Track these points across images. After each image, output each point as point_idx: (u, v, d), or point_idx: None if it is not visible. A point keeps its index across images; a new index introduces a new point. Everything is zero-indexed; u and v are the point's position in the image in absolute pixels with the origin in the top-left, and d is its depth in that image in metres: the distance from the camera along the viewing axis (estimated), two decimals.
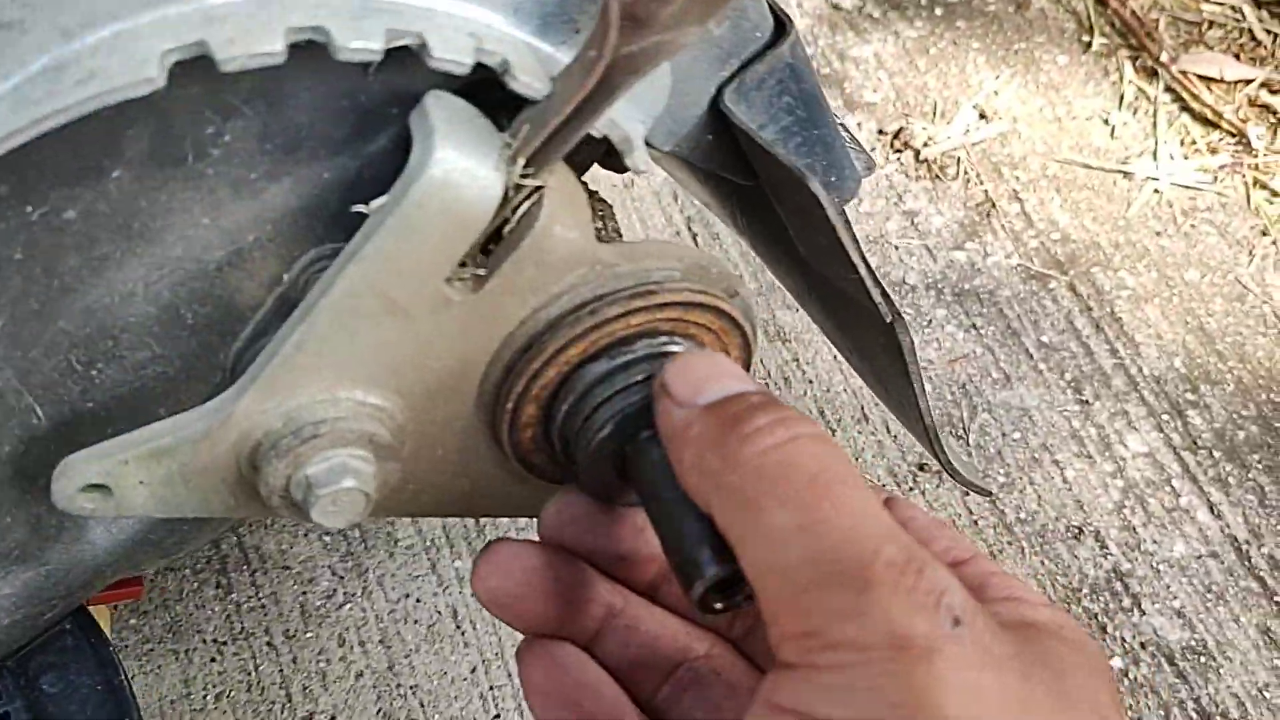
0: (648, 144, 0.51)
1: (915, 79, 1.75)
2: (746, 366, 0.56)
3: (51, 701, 0.54)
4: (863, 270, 0.57)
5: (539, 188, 0.46)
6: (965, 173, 1.64)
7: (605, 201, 0.55)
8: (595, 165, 0.57)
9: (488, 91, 0.45)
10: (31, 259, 0.43)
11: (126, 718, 0.54)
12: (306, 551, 1.18)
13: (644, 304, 0.49)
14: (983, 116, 1.73)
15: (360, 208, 0.43)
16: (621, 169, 0.78)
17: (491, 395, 0.51)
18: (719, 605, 0.44)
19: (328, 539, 1.18)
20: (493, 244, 0.47)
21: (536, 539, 0.46)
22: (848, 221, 0.57)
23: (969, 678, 0.30)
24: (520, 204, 0.46)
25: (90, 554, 0.53)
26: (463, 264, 0.47)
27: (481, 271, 0.46)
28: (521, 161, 0.44)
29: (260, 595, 1.15)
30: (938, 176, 1.64)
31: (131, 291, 0.46)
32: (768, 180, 0.59)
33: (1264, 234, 1.60)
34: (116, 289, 0.46)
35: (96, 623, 0.56)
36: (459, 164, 0.42)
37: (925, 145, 1.69)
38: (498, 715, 1.11)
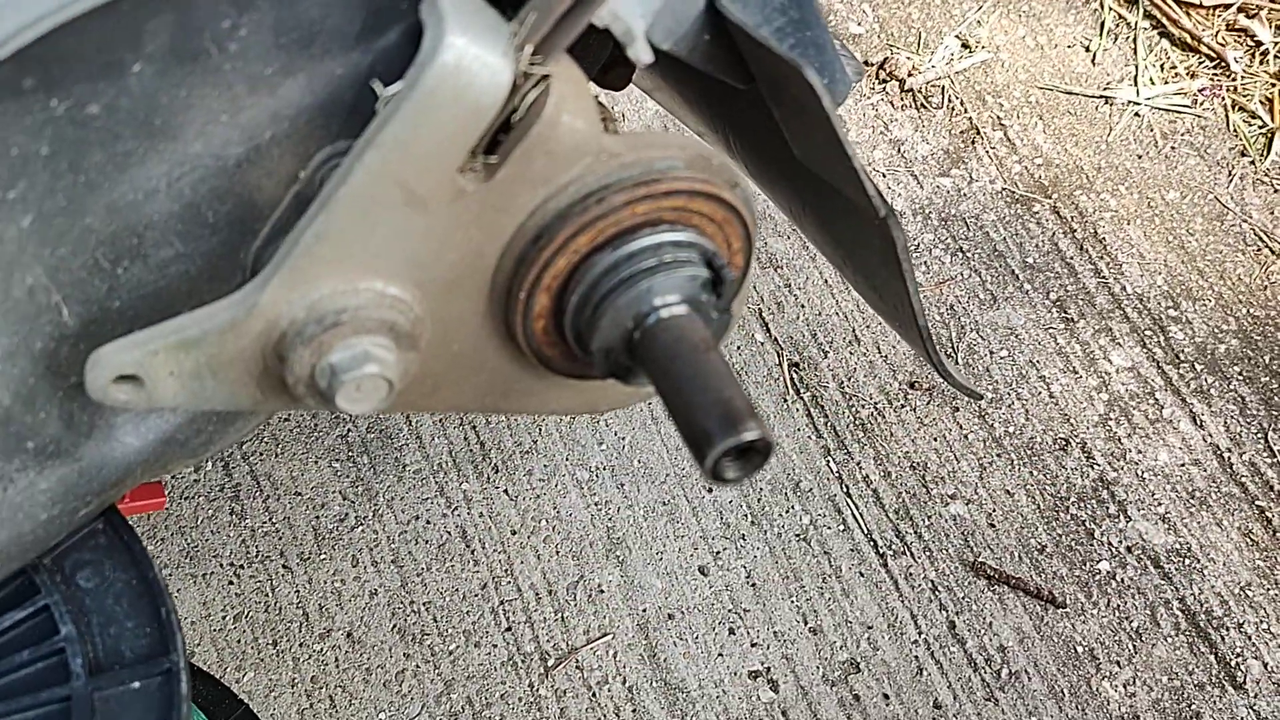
0: (649, 43, 0.51)
1: (899, 11, 1.74)
2: (748, 257, 0.56)
3: (88, 595, 0.55)
4: (856, 163, 0.57)
5: (546, 76, 0.46)
6: (949, 101, 1.65)
7: (605, 105, 0.56)
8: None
9: None
10: (57, 154, 0.44)
11: (163, 607, 0.55)
12: (317, 478, 1.19)
13: (648, 192, 0.49)
14: (965, 46, 1.73)
15: (377, 87, 0.44)
16: (618, 86, 0.78)
17: (504, 287, 0.52)
18: (731, 475, 0.45)
19: (337, 465, 1.19)
20: (502, 135, 0.48)
21: None
22: (841, 119, 0.58)
23: None
24: (528, 92, 0.46)
25: (121, 452, 0.54)
26: (474, 155, 0.47)
27: (493, 160, 0.47)
28: (529, 49, 0.45)
29: (274, 520, 1.17)
30: (923, 106, 1.64)
31: (154, 188, 0.47)
32: (764, 78, 0.60)
33: (1242, 154, 1.61)
34: (140, 186, 0.46)
35: (128, 522, 0.58)
36: (470, 50, 0.43)
37: (910, 75, 1.69)
38: (509, 628, 1.13)
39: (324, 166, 0.50)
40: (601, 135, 0.48)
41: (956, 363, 1.38)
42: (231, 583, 1.13)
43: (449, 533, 1.17)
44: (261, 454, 1.19)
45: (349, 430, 1.22)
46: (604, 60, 0.73)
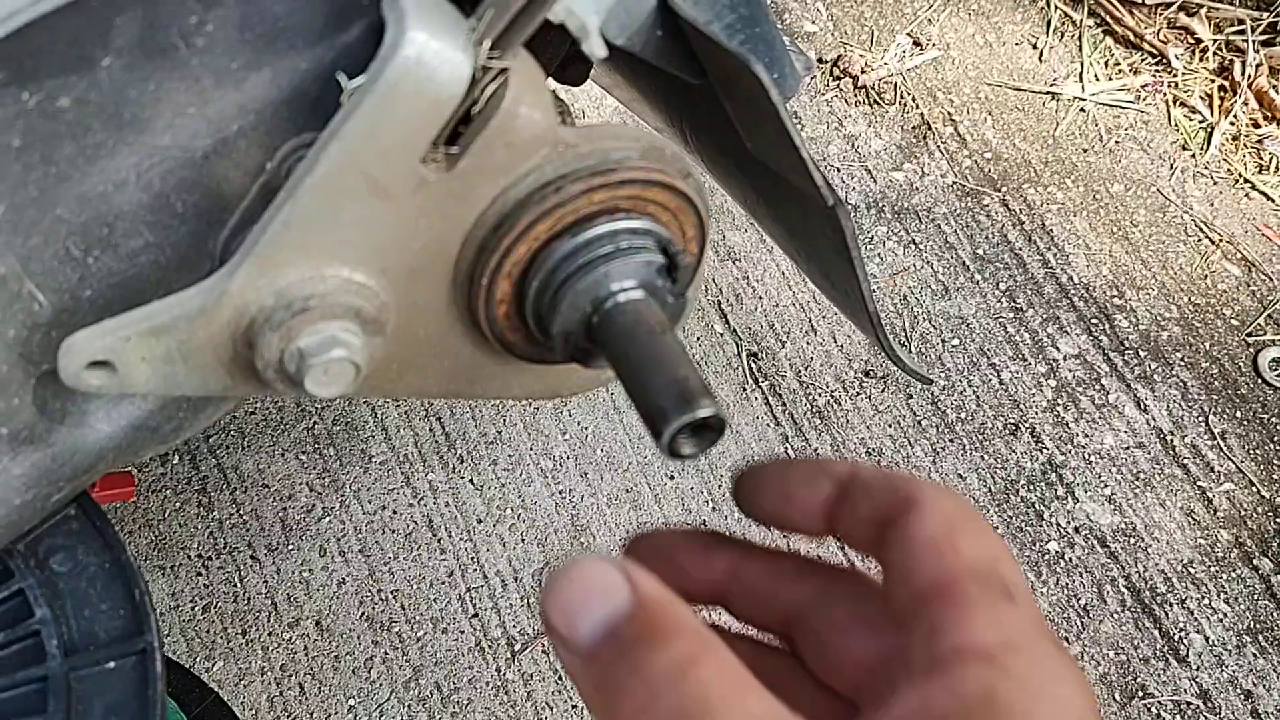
0: (603, 38, 0.53)
1: (852, 9, 1.77)
2: (702, 243, 0.58)
3: (62, 579, 0.56)
4: (805, 154, 0.59)
5: (504, 70, 0.47)
6: (902, 98, 1.67)
7: (562, 100, 0.57)
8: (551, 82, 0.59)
9: None
10: (29, 147, 0.44)
11: (136, 589, 0.56)
12: (284, 470, 1.19)
13: (604, 181, 0.51)
14: (917, 44, 1.75)
15: (343, 80, 0.45)
16: (576, 81, 0.80)
17: (467, 274, 0.53)
18: (686, 451, 0.47)
19: (304, 457, 1.19)
20: (462, 127, 0.49)
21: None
22: (791, 112, 0.59)
23: None
24: (487, 85, 0.47)
25: (93, 438, 0.55)
26: (436, 146, 0.48)
27: (454, 150, 0.48)
28: (488, 44, 0.46)
29: (241, 512, 1.17)
30: (876, 102, 1.67)
31: (124, 180, 0.47)
32: (715, 73, 0.62)
33: (1183, 148, 1.64)
34: (110, 177, 0.47)
35: (100, 508, 0.58)
36: (430, 45, 0.44)
37: (863, 72, 1.72)
38: (476, 614, 1.14)
39: (290, 158, 0.51)
40: (559, 127, 0.49)
41: (910, 351, 1.41)
42: (200, 574, 1.14)
43: (416, 522, 1.18)
44: (228, 447, 1.19)
45: (315, 423, 1.22)
46: (562, 56, 0.75)
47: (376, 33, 0.48)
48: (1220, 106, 1.69)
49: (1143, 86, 1.72)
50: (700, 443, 0.47)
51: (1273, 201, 1.58)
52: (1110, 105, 1.69)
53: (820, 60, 1.72)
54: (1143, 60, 1.75)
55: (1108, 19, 1.78)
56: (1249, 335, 1.45)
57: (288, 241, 0.47)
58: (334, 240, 0.48)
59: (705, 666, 0.34)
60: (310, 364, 0.48)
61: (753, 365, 1.36)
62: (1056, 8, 1.79)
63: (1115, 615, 1.23)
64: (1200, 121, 1.68)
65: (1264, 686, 1.19)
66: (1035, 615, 0.36)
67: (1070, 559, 1.26)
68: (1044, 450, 1.33)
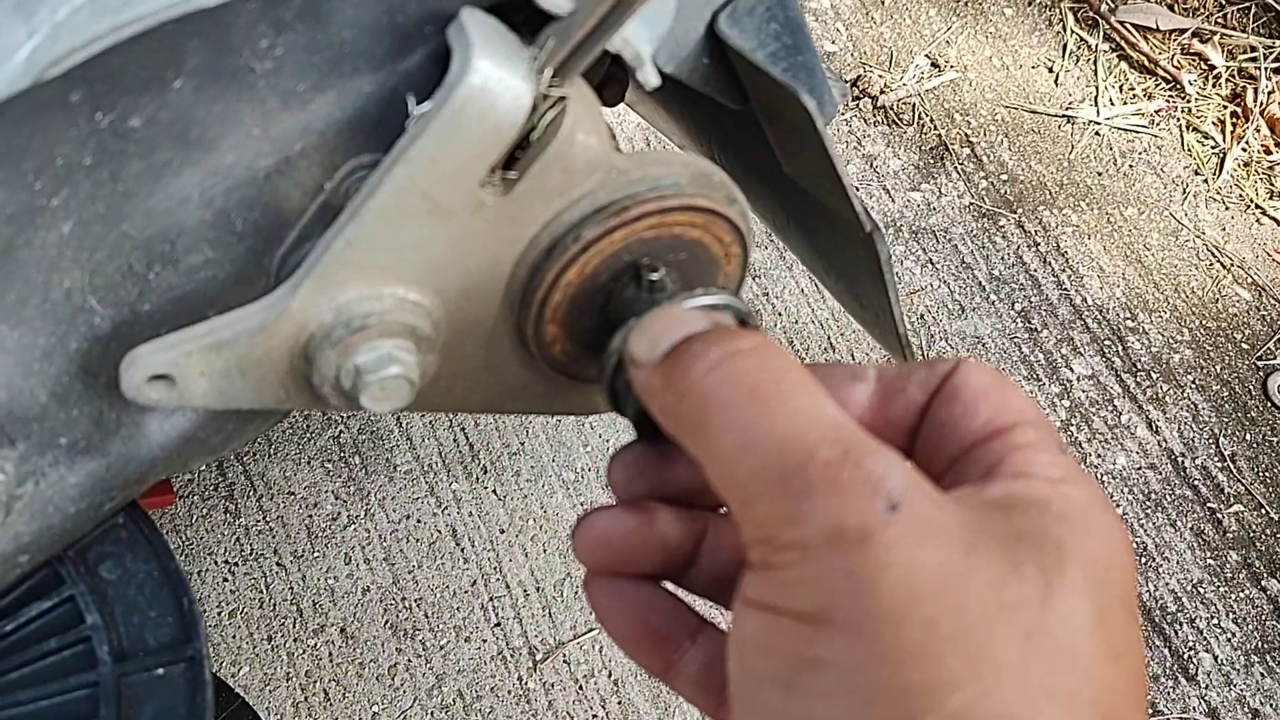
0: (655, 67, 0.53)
1: (871, 30, 1.77)
2: (744, 265, 0.58)
3: (111, 586, 0.57)
4: (846, 181, 0.60)
5: (563, 98, 0.48)
6: (920, 119, 1.68)
7: (607, 124, 0.58)
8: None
9: (514, 10, 0.47)
10: (99, 164, 0.45)
11: (184, 597, 0.56)
12: (310, 478, 1.20)
13: (656, 207, 0.51)
14: (935, 66, 1.76)
15: (411, 104, 0.45)
16: (612, 102, 0.80)
17: (519, 295, 0.54)
18: None
19: (329, 465, 1.20)
20: (520, 152, 0.49)
21: (613, 504, 0.46)
22: (831, 139, 0.60)
23: (905, 558, 0.30)
24: (546, 113, 0.48)
25: (146, 448, 0.55)
26: (494, 171, 0.49)
27: (512, 175, 0.49)
28: (549, 73, 0.47)
29: (267, 519, 1.17)
30: (894, 122, 1.67)
31: (188, 197, 0.48)
32: (759, 100, 0.62)
33: (1196, 173, 1.65)
34: (175, 194, 0.48)
35: (149, 516, 0.59)
36: (494, 74, 0.44)
37: (882, 93, 1.72)
38: (498, 624, 1.14)
39: (349, 178, 0.51)
40: (613, 153, 0.50)
41: None
42: (226, 580, 1.14)
43: (439, 531, 1.18)
44: (255, 455, 1.20)
45: (340, 432, 1.23)
46: (599, 78, 0.75)
47: (437, 59, 0.48)
48: (1233, 132, 1.70)
49: (1157, 111, 1.73)
50: None
51: None
52: (1125, 129, 1.69)
53: (848, 100, 1.72)
54: (1157, 85, 1.76)
55: (1123, 44, 1.78)
56: (1259, 359, 1.45)
57: (349, 260, 0.47)
58: (393, 260, 0.48)
59: (783, 356, 0.35)
60: (367, 381, 0.48)
61: None
62: (1073, 32, 1.80)
63: None
64: (1213, 147, 1.68)
65: (1271, 705, 1.19)
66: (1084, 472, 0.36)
67: None
68: None
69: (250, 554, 1.15)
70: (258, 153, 0.48)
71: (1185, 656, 1.21)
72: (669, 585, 0.45)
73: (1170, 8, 1.85)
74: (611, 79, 0.76)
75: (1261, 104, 1.70)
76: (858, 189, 1.59)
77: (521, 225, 0.50)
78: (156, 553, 0.58)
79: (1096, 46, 1.78)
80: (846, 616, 0.30)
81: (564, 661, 1.12)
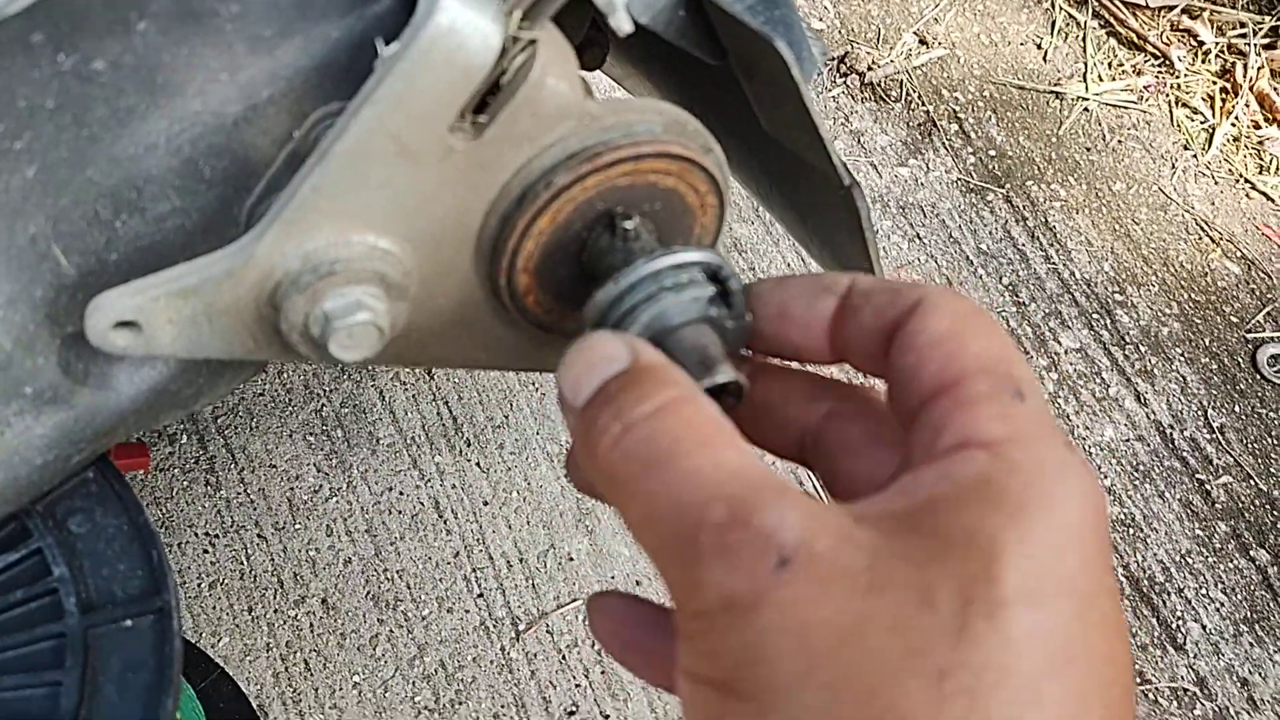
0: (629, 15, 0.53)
1: (859, 7, 1.77)
2: (721, 216, 0.58)
3: (79, 540, 0.56)
4: (823, 133, 0.59)
5: (533, 41, 0.48)
6: (907, 95, 1.68)
7: (583, 77, 0.57)
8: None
9: None
10: (62, 108, 0.44)
11: (153, 550, 0.56)
12: (291, 451, 1.20)
13: (630, 154, 0.51)
14: (923, 42, 1.76)
15: (380, 45, 0.45)
16: (591, 66, 0.80)
17: (490, 245, 0.53)
18: None
19: (311, 439, 1.20)
20: (490, 97, 0.49)
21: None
22: (810, 92, 0.60)
23: (796, 617, 0.28)
24: (516, 56, 0.48)
25: (114, 400, 0.55)
26: (463, 116, 0.49)
27: (482, 119, 0.48)
28: (518, 15, 0.46)
29: (249, 492, 1.17)
30: (882, 99, 1.67)
31: (154, 143, 0.48)
32: (736, 52, 0.62)
33: (1185, 148, 1.65)
34: (141, 140, 0.47)
35: (119, 472, 0.59)
36: (463, 14, 0.44)
37: (870, 69, 1.72)
38: (481, 594, 1.14)
39: (317, 126, 0.51)
40: (584, 99, 0.50)
41: None
42: (206, 551, 1.14)
43: (422, 503, 1.18)
44: (236, 427, 1.20)
45: (323, 405, 1.22)
46: (578, 42, 0.75)
47: (406, 4, 0.48)
48: (1222, 108, 1.70)
49: (1145, 87, 1.73)
50: (724, 403, 0.47)
51: (1273, 201, 1.59)
52: (1113, 105, 1.69)
53: (829, 58, 1.72)
54: (1146, 61, 1.76)
55: (1111, 20, 1.78)
56: (1248, 332, 1.46)
57: (316, 205, 0.47)
58: (361, 206, 0.48)
59: (684, 410, 0.34)
60: (335, 327, 0.48)
61: None
62: (1061, 9, 1.79)
63: None
64: (1202, 122, 1.68)
65: (1260, 675, 1.20)
66: (1045, 413, 0.33)
67: None
68: None
69: (231, 526, 1.15)
70: (225, 99, 0.48)
71: (1174, 626, 1.22)
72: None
73: None
74: (591, 42, 0.76)
75: (1251, 79, 1.70)
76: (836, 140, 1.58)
77: (492, 172, 0.50)
78: (126, 507, 0.57)
79: (1085, 23, 1.78)
80: (748, 688, 0.29)
81: (547, 632, 1.12)
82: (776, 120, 0.65)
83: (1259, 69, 1.71)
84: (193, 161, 0.49)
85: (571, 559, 1.17)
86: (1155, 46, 1.76)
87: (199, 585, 1.12)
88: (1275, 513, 1.31)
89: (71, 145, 0.46)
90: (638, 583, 1.17)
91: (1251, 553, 1.28)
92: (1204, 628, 1.22)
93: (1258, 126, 1.68)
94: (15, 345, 0.49)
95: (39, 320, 0.50)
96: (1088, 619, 0.28)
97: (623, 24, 0.53)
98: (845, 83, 1.67)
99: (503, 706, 1.09)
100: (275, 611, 1.11)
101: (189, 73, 0.46)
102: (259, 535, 1.15)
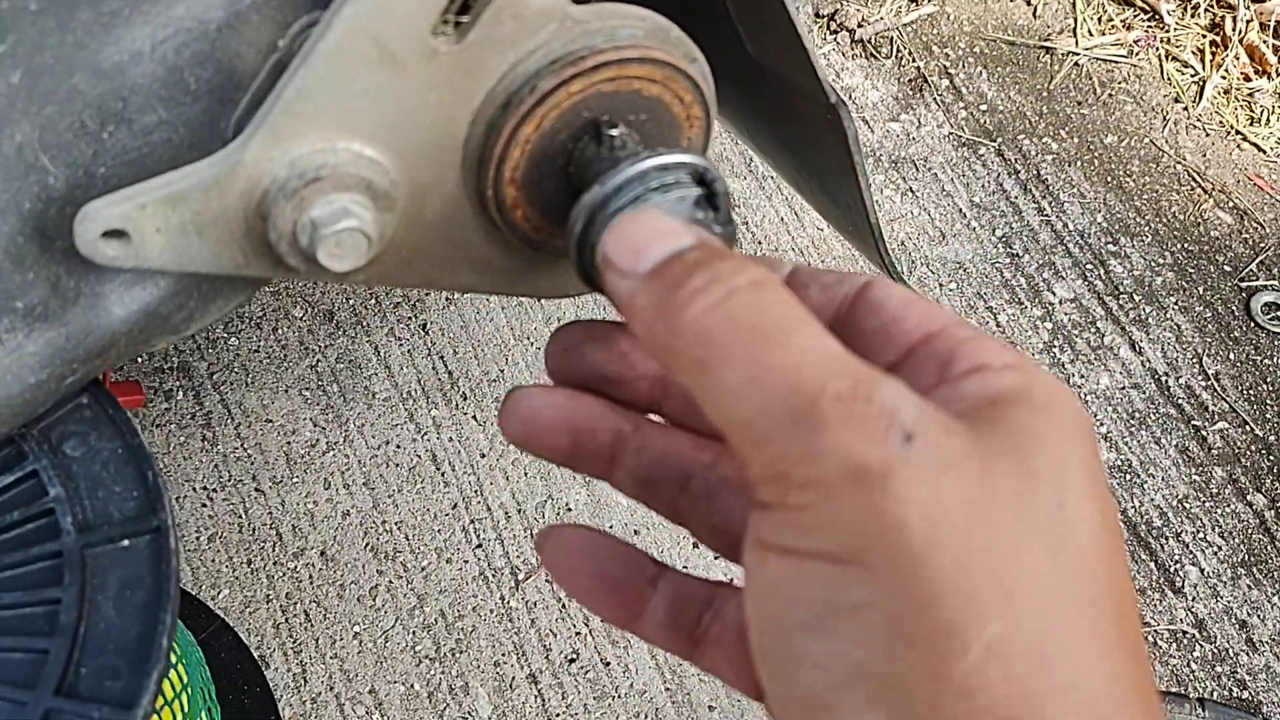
0: None
1: None
2: (707, 131, 0.58)
3: (75, 462, 0.56)
4: (809, 46, 0.59)
5: None
6: (898, 51, 1.67)
7: None
8: None
9: None
10: (45, 11, 0.44)
11: (149, 471, 0.56)
12: (288, 405, 1.20)
13: (613, 58, 0.51)
14: None
15: None
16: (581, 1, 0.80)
17: (476, 155, 0.53)
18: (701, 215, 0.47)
19: (307, 393, 1.20)
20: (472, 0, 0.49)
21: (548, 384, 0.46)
22: (794, 5, 0.60)
23: (926, 491, 0.29)
24: None
25: (105, 320, 0.55)
26: (446, 19, 0.49)
27: (465, 19, 0.48)
28: None
29: (245, 446, 1.17)
30: (872, 55, 1.67)
31: (139, 50, 0.48)
32: None
33: (1176, 101, 1.65)
34: (126, 48, 0.47)
35: (113, 397, 0.59)
36: None
37: (859, 26, 1.71)
38: (480, 544, 1.15)
39: (301, 35, 0.51)
40: (567, 3, 0.49)
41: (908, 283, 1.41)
42: (204, 505, 1.14)
43: (419, 456, 1.18)
44: (232, 383, 1.20)
45: (318, 360, 1.22)
46: None
47: None
48: (1212, 61, 1.69)
49: (1135, 41, 1.72)
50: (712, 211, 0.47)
51: (1263, 152, 1.59)
52: (1104, 60, 1.69)
53: (817, 15, 1.71)
54: (1135, 16, 1.75)
55: None
56: (1241, 280, 1.46)
57: (300, 111, 0.47)
58: (346, 111, 0.48)
59: (783, 290, 0.34)
60: (323, 234, 0.48)
61: None
62: None
63: None
64: (1192, 75, 1.68)
65: (1258, 617, 1.20)
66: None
67: None
68: None
69: (229, 480, 1.15)
70: (208, 5, 0.48)
71: (1171, 570, 1.22)
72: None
73: None
74: None
75: (1240, 32, 1.70)
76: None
77: (476, 77, 0.50)
78: (120, 430, 0.57)
79: None
80: (876, 558, 0.29)
81: (546, 581, 1.13)
82: (762, 40, 0.65)
83: (1248, 22, 1.71)
84: (178, 70, 0.49)
85: (569, 509, 1.17)
86: (1144, 1, 1.75)
87: (198, 539, 1.13)
88: (1271, 458, 1.32)
89: (56, 51, 0.46)
90: (635, 531, 1.17)
91: (1248, 497, 1.28)
92: (1202, 571, 1.22)
93: (1248, 79, 1.68)
94: (5, 257, 0.49)
95: (28, 233, 0.50)
96: (1109, 503, 0.32)
97: None
98: (835, 39, 1.67)
99: (503, 655, 1.09)
100: (274, 564, 1.11)
101: None
102: (256, 489, 1.15)
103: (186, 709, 0.74)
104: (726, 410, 0.33)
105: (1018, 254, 1.45)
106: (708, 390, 0.33)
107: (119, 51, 0.47)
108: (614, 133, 0.51)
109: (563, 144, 0.51)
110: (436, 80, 0.48)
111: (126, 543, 0.54)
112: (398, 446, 1.19)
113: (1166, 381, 1.36)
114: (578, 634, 1.10)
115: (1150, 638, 1.18)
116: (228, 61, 0.50)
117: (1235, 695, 1.16)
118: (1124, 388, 1.34)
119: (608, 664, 1.10)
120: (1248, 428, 1.33)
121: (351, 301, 1.27)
